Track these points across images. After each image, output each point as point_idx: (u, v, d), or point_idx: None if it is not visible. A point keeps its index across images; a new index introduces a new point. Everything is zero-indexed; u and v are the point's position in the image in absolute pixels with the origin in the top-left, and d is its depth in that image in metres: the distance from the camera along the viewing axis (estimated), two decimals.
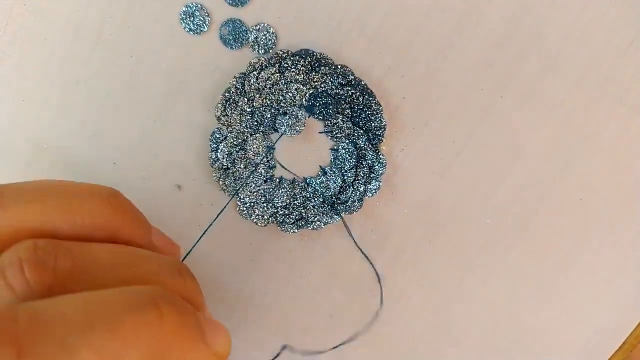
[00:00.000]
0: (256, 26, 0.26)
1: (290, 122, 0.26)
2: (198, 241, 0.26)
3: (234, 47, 0.27)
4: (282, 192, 0.27)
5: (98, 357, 0.14)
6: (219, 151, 0.26)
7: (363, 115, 0.26)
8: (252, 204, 0.27)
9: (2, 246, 0.17)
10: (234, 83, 0.26)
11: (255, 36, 0.26)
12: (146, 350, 0.15)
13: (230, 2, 0.26)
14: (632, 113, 0.27)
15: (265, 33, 0.26)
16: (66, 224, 0.18)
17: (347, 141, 0.26)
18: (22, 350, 0.14)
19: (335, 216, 0.27)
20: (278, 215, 0.27)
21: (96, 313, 0.15)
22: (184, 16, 0.26)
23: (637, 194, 0.28)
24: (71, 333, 0.14)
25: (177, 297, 0.17)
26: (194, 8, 0.26)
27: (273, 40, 0.26)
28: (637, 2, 0.26)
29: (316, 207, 0.27)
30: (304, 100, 0.26)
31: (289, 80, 0.26)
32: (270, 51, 0.26)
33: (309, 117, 0.27)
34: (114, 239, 0.19)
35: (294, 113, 0.26)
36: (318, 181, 0.27)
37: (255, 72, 0.26)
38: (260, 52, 0.26)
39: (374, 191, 0.27)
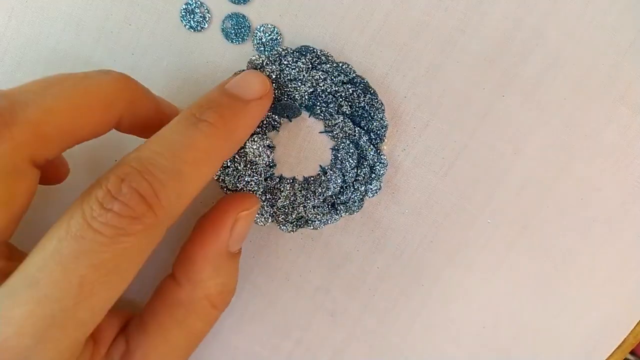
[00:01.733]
0: (260, 27, 0.26)
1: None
2: None
3: (235, 41, 0.26)
4: (282, 191, 0.26)
5: (195, 168, 0.20)
6: None
7: (364, 115, 0.26)
8: None
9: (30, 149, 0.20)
10: None
11: (259, 37, 0.26)
12: (218, 144, 0.21)
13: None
14: (632, 113, 0.27)
15: (270, 33, 0.26)
16: (91, 106, 0.21)
17: (348, 141, 0.26)
18: (151, 183, 0.19)
19: (336, 216, 0.27)
20: (278, 215, 0.27)
21: (172, 142, 0.20)
22: (184, 13, 0.26)
23: (637, 194, 0.28)
24: (169, 160, 0.20)
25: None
26: (194, 5, 0.26)
27: (278, 41, 0.26)
28: (638, 2, 0.26)
29: (316, 207, 0.27)
30: (304, 98, 0.26)
31: (288, 77, 0.25)
32: (276, 48, 0.26)
33: (309, 117, 0.27)
34: (132, 108, 0.23)
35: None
36: (318, 181, 0.27)
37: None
38: (265, 52, 0.26)
39: (374, 191, 0.27)
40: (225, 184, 0.26)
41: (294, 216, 0.27)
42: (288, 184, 0.27)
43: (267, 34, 0.26)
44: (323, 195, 0.26)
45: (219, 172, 0.26)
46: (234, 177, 0.26)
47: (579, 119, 0.27)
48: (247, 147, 0.26)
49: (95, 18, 0.27)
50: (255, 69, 0.25)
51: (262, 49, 0.26)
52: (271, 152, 0.26)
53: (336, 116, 0.26)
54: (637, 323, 0.29)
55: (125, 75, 0.22)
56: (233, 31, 0.26)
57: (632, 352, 0.30)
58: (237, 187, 0.26)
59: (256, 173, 0.26)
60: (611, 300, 0.29)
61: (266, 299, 0.29)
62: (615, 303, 0.29)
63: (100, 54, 0.27)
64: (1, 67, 0.27)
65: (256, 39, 0.26)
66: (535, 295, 0.29)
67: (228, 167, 0.26)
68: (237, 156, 0.26)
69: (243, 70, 0.26)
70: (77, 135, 0.21)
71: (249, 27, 0.26)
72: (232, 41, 0.26)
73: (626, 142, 0.27)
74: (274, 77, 0.25)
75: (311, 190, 0.26)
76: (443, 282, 0.28)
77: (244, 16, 0.26)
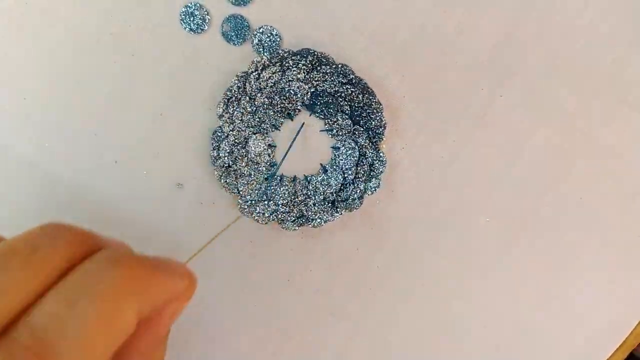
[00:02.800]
0: (259, 28, 0.26)
1: None
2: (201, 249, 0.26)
3: (236, 43, 0.27)
4: (283, 190, 0.27)
5: (97, 324, 0.17)
6: (220, 149, 0.27)
7: (363, 114, 0.26)
8: (253, 202, 0.27)
9: None
10: (235, 82, 0.26)
11: (259, 38, 0.26)
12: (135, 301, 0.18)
13: (233, 1, 0.26)
14: (631, 112, 0.27)
15: (269, 35, 0.26)
16: (34, 279, 0.18)
17: (348, 139, 0.27)
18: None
19: (336, 213, 0.27)
20: (279, 213, 0.27)
21: (75, 300, 0.17)
22: (183, 16, 0.27)
23: (636, 194, 0.28)
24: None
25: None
26: (193, 7, 0.26)
27: (277, 42, 0.26)
28: (637, 3, 0.26)
29: (316, 205, 0.27)
30: (304, 98, 0.26)
31: (290, 79, 0.26)
32: (274, 52, 0.26)
33: (309, 116, 0.27)
34: (73, 260, 0.20)
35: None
36: (319, 179, 0.27)
37: (256, 71, 0.26)
38: (264, 53, 0.26)
39: (373, 189, 0.27)
40: (227, 183, 0.26)
41: (294, 214, 0.27)
42: (289, 182, 0.27)
43: (266, 35, 0.26)
44: (323, 193, 0.27)
45: (221, 172, 0.26)
46: (235, 176, 0.26)
47: (578, 119, 0.27)
48: (249, 146, 0.26)
49: (95, 20, 0.27)
50: (257, 69, 0.26)
51: (261, 50, 0.26)
52: (272, 151, 0.27)
53: (336, 115, 0.26)
54: (638, 323, 0.29)
55: (61, 232, 0.20)
56: (233, 33, 0.26)
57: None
58: (238, 186, 0.26)
59: (257, 172, 0.26)
60: (612, 301, 0.29)
61: (267, 301, 0.29)
62: (615, 303, 0.29)
63: (100, 56, 0.27)
64: (1, 70, 0.27)
65: (255, 40, 0.26)
66: (536, 295, 0.29)
67: (229, 167, 0.26)
68: (239, 155, 0.26)
69: (244, 72, 0.26)
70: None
71: (248, 26, 0.26)
72: (233, 43, 0.27)
73: (626, 142, 0.27)
74: (276, 78, 0.26)
75: (312, 189, 0.27)
76: (442, 280, 0.28)
77: (241, 17, 0.26)
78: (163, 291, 0.20)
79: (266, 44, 0.26)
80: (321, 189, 0.27)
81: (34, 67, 0.27)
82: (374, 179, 0.27)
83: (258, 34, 0.26)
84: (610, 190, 0.28)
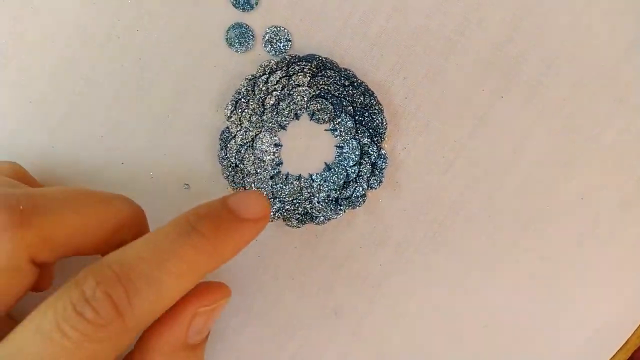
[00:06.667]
0: (270, 27, 0.27)
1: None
2: None
3: (239, 50, 0.27)
4: (288, 188, 0.27)
5: (176, 279, 0.20)
6: (228, 149, 0.27)
7: (365, 115, 0.27)
8: None
9: (44, 252, 0.20)
10: (244, 84, 0.27)
11: (269, 38, 0.27)
12: (204, 259, 0.21)
13: (237, 5, 0.27)
14: (632, 113, 0.27)
15: (280, 36, 0.27)
16: (101, 228, 0.22)
17: (351, 139, 0.27)
18: (127, 290, 0.19)
19: (339, 211, 0.28)
20: (284, 210, 0.28)
21: (160, 248, 0.20)
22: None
23: (637, 194, 0.28)
24: (152, 268, 0.19)
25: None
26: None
27: (287, 46, 0.27)
28: (638, 3, 0.26)
29: (320, 203, 0.28)
30: (310, 101, 0.27)
31: (296, 82, 0.27)
32: (283, 53, 0.27)
33: (314, 117, 0.28)
34: (140, 233, 0.23)
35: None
36: (323, 177, 0.28)
37: (264, 75, 0.27)
38: (276, 54, 0.27)
39: (376, 185, 0.28)
40: (235, 182, 0.27)
41: (299, 212, 0.28)
42: (294, 180, 0.28)
43: (276, 36, 0.27)
44: (327, 191, 0.27)
45: (228, 171, 0.27)
46: (242, 175, 0.27)
47: (578, 120, 0.27)
48: (256, 145, 0.27)
49: (102, 23, 0.27)
50: (265, 73, 0.27)
51: (272, 53, 0.27)
52: (278, 149, 0.28)
53: (339, 116, 0.27)
54: None
55: (141, 210, 0.23)
56: (237, 41, 0.27)
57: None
58: (244, 185, 0.27)
59: (263, 170, 0.27)
60: (614, 300, 0.29)
61: (270, 299, 0.29)
62: (618, 303, 0.29)
63: (107, 59, 0.27)
64: (7, 73, 0.28)
65: (264, 41, 0.27)
66: (538, 295, 0.29)
67: (237, 166, 0.27)
68: (245, 156, 0.27)
69: (253, 75, 0.27)
70: (80, 249, 0.21)
71: (253, 35, 0.27)
72: (237, 50, 0.27)
73: (626, 142, 0.27)
74: (283, 82, 0.27)
75: (316, 186, 0.28)
76: (444, 279, 0.29)
77: (246, 25, 0.27)
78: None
79: (276, 46, 0.27)
80: (325, 186, 0.27)
81: (40, 70, 0.28)
82: (376, 176, 0.28)
83: (269, 34, 0.27)
84: (611, 190, 0.28)
